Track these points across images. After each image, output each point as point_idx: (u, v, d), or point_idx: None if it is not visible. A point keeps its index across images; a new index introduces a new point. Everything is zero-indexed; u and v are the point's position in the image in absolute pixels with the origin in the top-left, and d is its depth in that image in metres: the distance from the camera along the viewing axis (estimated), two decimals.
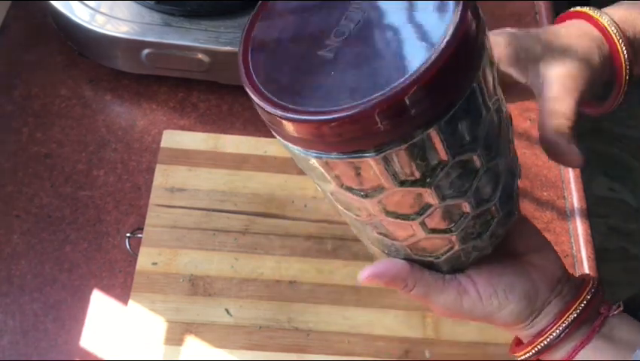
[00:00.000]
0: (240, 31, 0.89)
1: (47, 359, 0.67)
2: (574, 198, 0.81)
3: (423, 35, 0.34)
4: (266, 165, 0.79)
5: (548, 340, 0.48)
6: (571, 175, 0.82)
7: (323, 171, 0.40)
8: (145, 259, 0.72)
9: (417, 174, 0.38)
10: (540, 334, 0.48)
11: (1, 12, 0.90)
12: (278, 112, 0.36)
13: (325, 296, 0.71)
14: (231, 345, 0.68)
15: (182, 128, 0.83)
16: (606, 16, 0.52)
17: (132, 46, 0.81)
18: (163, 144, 0.80)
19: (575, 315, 0.47)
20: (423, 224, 0.43)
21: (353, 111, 0.33)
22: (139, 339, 0.67)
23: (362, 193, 0.40)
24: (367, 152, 0.36)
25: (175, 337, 0.67)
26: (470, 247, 0.48)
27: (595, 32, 0.52)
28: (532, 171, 0.83)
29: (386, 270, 0.48)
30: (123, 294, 0.70)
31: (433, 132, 0.36)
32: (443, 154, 0.37)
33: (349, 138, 0.35)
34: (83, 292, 0.71)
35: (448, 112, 0.35)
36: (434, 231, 0.44)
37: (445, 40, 0.33)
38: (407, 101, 0.33)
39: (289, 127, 0.36)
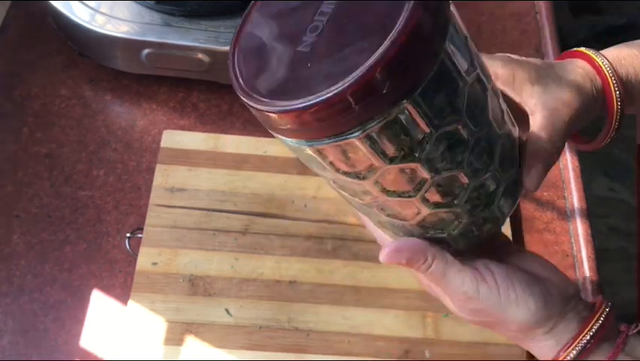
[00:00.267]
0: None
1: (47, 359, 0.67)
2: (574, 198, 0.81)
3: (387, 18, 0.37)
4: (266, 165, 0.79)
5: (573, 353, 0.47)
6: (571, 175, 0.82)
7: (318, 159, 0.42)
8: (145, 259, 0.72)
9: (404, 150, 0.40)
10: (564, 347, 0.48)
11: (1, 12, 0.90)
12: (263, 107, 0.39)
13: (325, 296, 0.71)
14: (231, 345, 0.68)
15: (182, 128, 0.83)
16: (601, 56, 0.55)
17: (132, 46, 0.81)
18: (162, 144, 0.80)
19: (595, 329, 0.47)
20: (425, 200, 0.44)
21: (327, 95, 0.36)
22: (139, 339, 0.67)
23: (359, 176, 0.42)
24: (350, 133, 0.38)
25: (175, 337, 0.67)
26: (480, 218, 0.48)
27: (589, 68, 0.55)
28: None
29: (405, 245, 0.48)
30: (123, 294, 0.70)
31: (409, 107, 0.38)
32: (424, 127, 0.39)
33: (330, 121, 0.38)
34: (83, 292, 0.71)
35: (418, 86, 0.38)
36: (437, 205, 0.45)
37: (403, 20, 0.36)
38: (375, 81, 0.36)
39: (276, 119, 0.39)
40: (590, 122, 0.56)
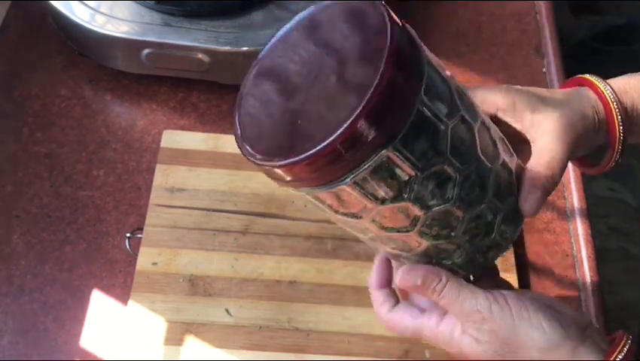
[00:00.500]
0: (240, 31, 0.89)
1: (47, 359, 0.67)
2: (574, 198, 0.81)
3: (365, 77, 0.41)
4: None
5: None
6: (571, 175, 0.82)
7: (317, 203, 0.46)
8: (145, 259, 0.72)
9: (392, 192, 0.43)
10: None
11: (1, 12, 0.90)
12: (263, 163, 0.43)
13: (325, 296, 0.71)
14: (231, 345, 0.68)
15: (182, 128, 0.83)
16: (606, 84, 0.55)
17: (132, 46, 0.81)
18: (162, 144, 0.80)
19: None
20: (422, 233, 0.47)
21: (313, 151, 0.40)
22: (139, 339, 0.67)
23: (356, 216, 0.46)
24: (341, 180, 0.42)
25: (175, 337, 0.67)
26: (482, 247, 0.50)
27: (593, 96, 0.55)
28: None
29: (419, 267, 0.50)
30: (123, 294, 0.70)
31: (390, 154, 0.42)
32: (409, 170, 0.43)
33: (321, 172, 0.42)
34: (83, 292, 0.71)
35: (396, 135, 0.41)
36: (436, 238, 0.47)
37: (377, 80, 0.40)
38: (355, 134, 0.40)
39: (275, 173, 0.44)
40: (594, 149, 0.56)
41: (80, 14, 0.82)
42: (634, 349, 0.48)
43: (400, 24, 0.43)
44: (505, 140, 0.51)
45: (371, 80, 0.40)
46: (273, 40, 0.48)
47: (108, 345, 0.67)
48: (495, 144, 0.49)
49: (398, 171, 0.43)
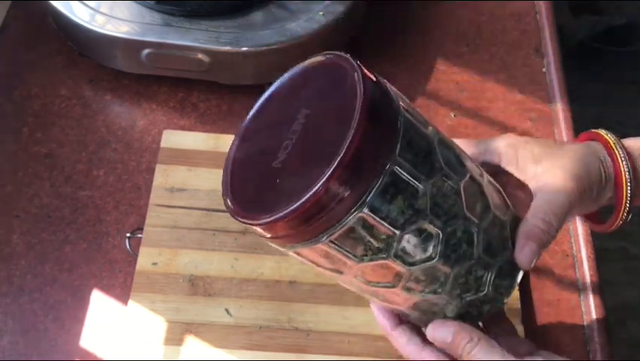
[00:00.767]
0: (240, 31, 0.89)
1: (47, 359, 0.67)
2: None
3: (336, 143, 0.41)
4: None
5: None
6: None
7: (300, 259, 0.47)
8: (145, 259, 0.72)
9: (371, 250, 0.44)
10: None
11: (1, 12, 0.90)
12: (246, 221, 0.45)
13: (325, 296, 0.71)
14: (231, 345, 0.68)
15: (182, 128, 0.83)
16: (617, 141, 0.54)
17: (132, 46, 0.81)
18: (162, 144, 0.80)
19: None
20: (408, 289, 0.47)
21: (286, 211, 0.42)
22: (139, 339, 0.67)
23: (338, 271, 0.46)
24: (317, 239, 0.43)
25: (175, 337, 0.67)
26: (475, 301, 0.49)
27: (604, 153, 0.54)
28: None
29: (450, 323, 0.49)
30: (123, 294, 0.70)
31: (362, 215, 0.42)
32: (385, 230, 0.43)
33: (298, 230, 0.43)
34: (83, 292, 0.71)
35: (368, 196, 0.42)
36: (423, 292, 0.47)
37: (347, 140, 0.41)
38: (326, 196, 0.41)
39: (257, 230, 0.45)
40: (602, 205, 0.55)
41: (80, 14, 0.82)
42: None
43: (375, 80, 0.43)
44: (502, 191, 0.51)
45: (342, 141, 0.41)
46: (259, 102, 0.50)
47: (108, 345, 0.67)
48: (484, 199, 0.48)
49: (375, 231, 0.43)
